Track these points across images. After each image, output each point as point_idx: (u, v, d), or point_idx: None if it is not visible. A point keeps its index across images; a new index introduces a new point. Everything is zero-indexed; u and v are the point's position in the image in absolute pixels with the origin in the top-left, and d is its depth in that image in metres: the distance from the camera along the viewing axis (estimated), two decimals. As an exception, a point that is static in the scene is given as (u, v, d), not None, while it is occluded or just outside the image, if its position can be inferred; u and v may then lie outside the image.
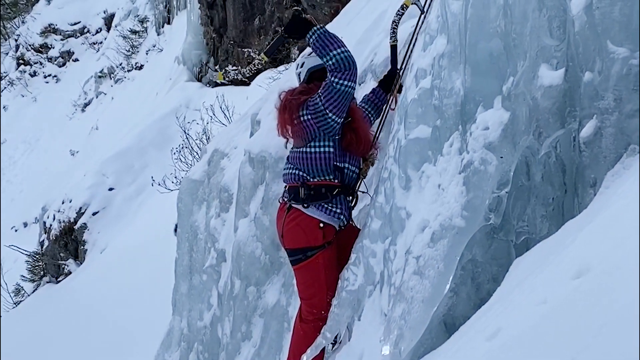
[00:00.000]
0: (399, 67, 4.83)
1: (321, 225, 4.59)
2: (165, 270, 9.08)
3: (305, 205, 4.60)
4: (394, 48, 4.88)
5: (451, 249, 3.46)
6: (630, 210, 2.25)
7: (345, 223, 4.70)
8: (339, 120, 4.54)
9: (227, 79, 16.19)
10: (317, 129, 4.57)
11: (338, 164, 4.61)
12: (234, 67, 16.63)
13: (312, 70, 4.78)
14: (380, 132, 4.88)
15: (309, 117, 4.56)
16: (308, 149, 4.62)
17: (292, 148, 4.82)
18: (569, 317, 2.00)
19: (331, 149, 4.59)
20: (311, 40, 4.48)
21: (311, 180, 4.62)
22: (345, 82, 4.45)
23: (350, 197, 4.77)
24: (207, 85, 17.88)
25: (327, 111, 4.50)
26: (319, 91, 4.54)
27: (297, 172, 4.66)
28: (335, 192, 4.61)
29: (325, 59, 4.45)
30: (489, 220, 3.33)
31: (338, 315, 4.47)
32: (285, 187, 4.79)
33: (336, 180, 4.61)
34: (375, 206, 4.36)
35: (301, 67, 4.86)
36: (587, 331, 1.86)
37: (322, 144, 4.60)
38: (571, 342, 1.88)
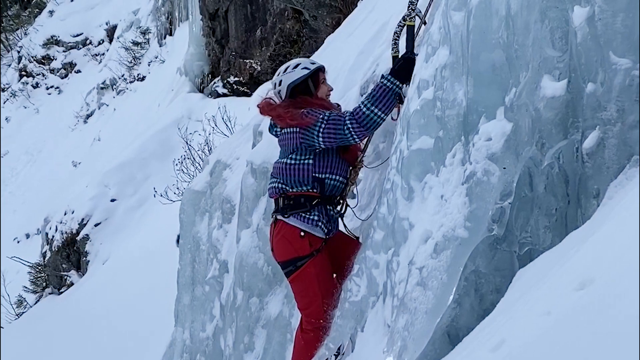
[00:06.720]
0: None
1: (302, 234, 4.65)
2: (167, 282, 9.07)
3: (286, 215, 4.68)
4: (395, 59, 4.90)
5: (454, 260, 3.46)
6: (633, 221, 2.24)
7: (326, 231, 4.72)
8: (323, 147, 4.63)
9: None
10: (300, 143, 4.64)
11: (317, 175, 4.68)
12: (236, 78, 16.64)
13: (292, 86, 4.80)
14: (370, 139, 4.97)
15: (298, 129, 4.61)
16: (289, 161, 4.72)
17: (275, 161, 4.90)
18: (573, 329, 1.99)
19: (310, 161, 4.68)
20: (386, 82, 4.53)
21: (290, 191, 4.71)
22: (352, 134, 4.54)
23: (339, 206, 4.82)
24: (209, 96, 17.89)
25: (319, 139, 4.58)
26: (325, 117, 4.58)
27: (278, 184, 4.77)
28: (315, 202, 4.66)
29: (366, 103, 4.52)
30: (492, 231, 3.32)
31: (341, 327, 4.46)
32: None
33: (314, 191, 4.67)
34: (378, 217, 4.36)
35: (279, 85, 4.86)
36: (591, 342, 1.86)
37: (302, 157, 4.69)
38: (575, 353, 1.88)
